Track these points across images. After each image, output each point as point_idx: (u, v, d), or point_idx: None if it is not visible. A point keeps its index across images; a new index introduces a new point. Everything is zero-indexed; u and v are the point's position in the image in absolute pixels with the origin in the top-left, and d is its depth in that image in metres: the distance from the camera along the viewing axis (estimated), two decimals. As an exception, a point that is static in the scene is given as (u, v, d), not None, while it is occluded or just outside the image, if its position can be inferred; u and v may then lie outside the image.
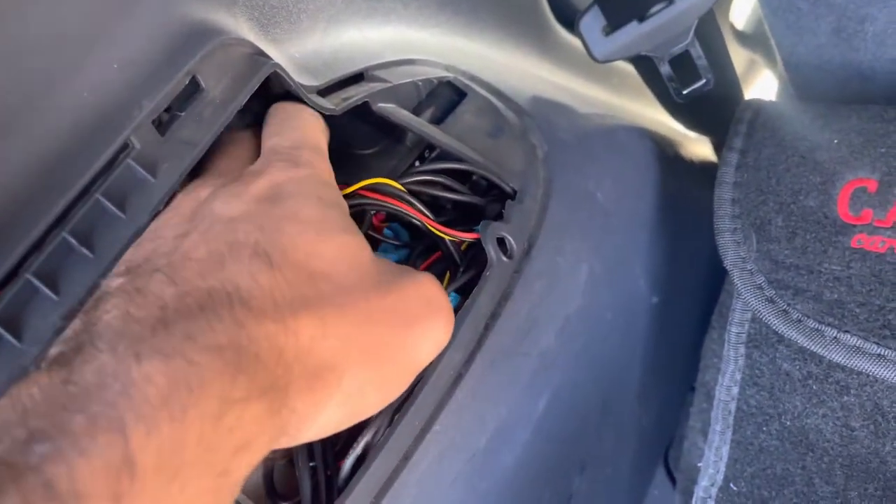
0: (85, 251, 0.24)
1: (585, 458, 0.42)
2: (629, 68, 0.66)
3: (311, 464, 0.28)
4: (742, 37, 0.83)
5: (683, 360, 0.55)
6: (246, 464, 0.21)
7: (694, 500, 0.45)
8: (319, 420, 0.24)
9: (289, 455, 0.31)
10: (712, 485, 0.44)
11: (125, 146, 0.26)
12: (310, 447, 0.28)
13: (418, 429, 0.28)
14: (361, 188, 0.31)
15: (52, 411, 0.18)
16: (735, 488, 0.43)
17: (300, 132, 0.29)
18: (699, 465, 0.45)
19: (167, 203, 0.26)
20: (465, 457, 0.30)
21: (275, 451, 0.30)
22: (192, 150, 0.27)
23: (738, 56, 0.84)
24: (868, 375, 0.36)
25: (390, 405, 0.28)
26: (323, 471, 0.28)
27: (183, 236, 0.24)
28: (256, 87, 0.29)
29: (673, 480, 0.58)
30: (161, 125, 0.27)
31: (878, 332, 0.35)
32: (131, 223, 0.25)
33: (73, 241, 0.24)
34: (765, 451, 0.41)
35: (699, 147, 0.61)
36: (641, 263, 0.44)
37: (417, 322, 0.26)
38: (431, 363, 0.29)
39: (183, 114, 0.28)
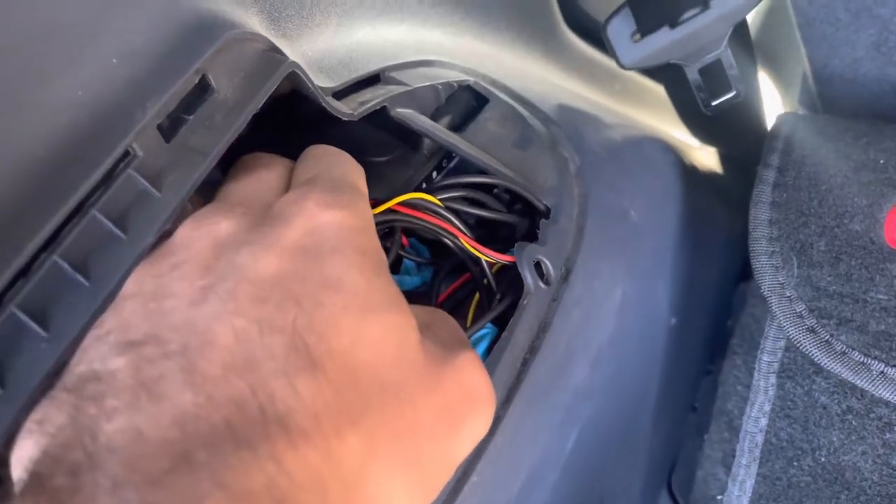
0: (80, 278, 0.20)
1: (604, 492, 0.40)
2: (631, 75, 0.64)
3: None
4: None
5: (689, 380, 0.53)
6: None
7: (713, 534, 0.43)
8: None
9: None
10: (734, 519, 0.42)
11: (126, 154, 0.22)
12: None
13: (454, 481, 0.25)
14: (396, 204, 0.28)
15: None
16: (759, 524, 0.40)
17: (341, 170, 0.24)
18: (719, 497, 0.42)
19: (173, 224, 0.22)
20: (499, 507, 0.27)
21: None
22: (203, 159, 0.24)
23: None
24: (915, 412, 0.34)
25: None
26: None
27: (200, 303, 0.18)
28: (273, 89, 0.26)
29: (675, 502, 0.56)
30: (166, 130, 0.24)
31: (929, 367, 0.32)
32: (134, 245, 0.21)
33: (65, 265, 0.20)
34: (794, 487, 0.38)
35: (704, 155, 0.59)
36: (665, 283, 0.41)
37: (462, 421, 0.21)
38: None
39: (191, 118, 0.24)
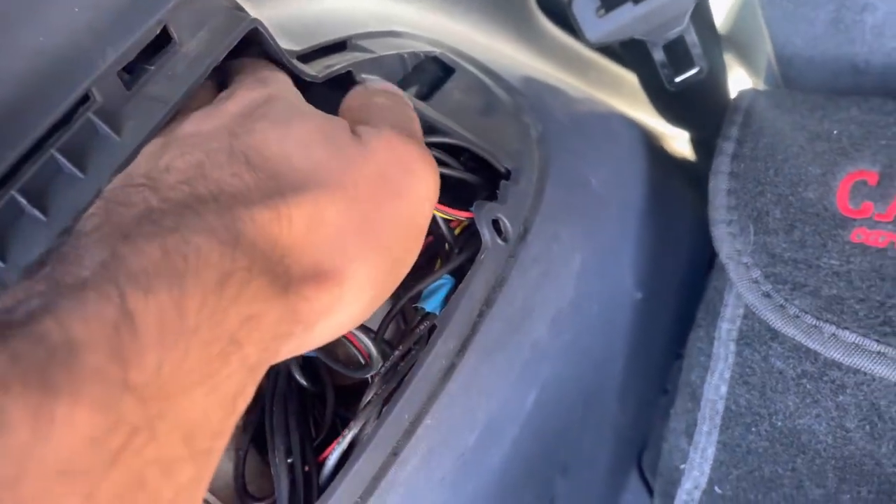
0: (37, 213, 0.21)
1: (568, 459, 0.41)
2: (607, 64, 0.65)
3: (288, 459, 0.25)
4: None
5: (658, 363, 0.53)
6: (257, 339, 0.20)
7: (676, 502, 0.43)
8: (334, 319, 0.23)
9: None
10: (696, 487, 0.42)
11: (86, 98, 0.23)
12: (286, 439, 0.26)
13: (408, 422, 0.25)
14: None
15: (37, 278, 0.17)
16: (720, 491, 0.41)
17: (272, 78, 0.28)
18: (682, 467, 0.43)
19: None
20: (454, 454, 0.27)
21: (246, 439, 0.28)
22: (163, 107, 0.24)
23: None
24: (865, 374, 0.34)
25: (380, 395, 0.25)
26: (301, 467, 0.25)
27: (158, 155, 0.22)
28: (234, 44, 0.26)
29: (646, 484, 0.56)
30: (128, 79, 0.24)
31: (878, 328, 0.33)
32: (91, 183, 0.22)
33: (22, 200, 0.21)
34: (753, 453, 0.39)
35: (677, 143, 0.60)
36: (629, 257, 0.42)
37: (400, 185, 0.25)
38: (423, 351, 0.26)
39: (152, 67, 0.25)
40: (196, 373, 0.18)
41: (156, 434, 0.16)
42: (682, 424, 0.44)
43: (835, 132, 0.36)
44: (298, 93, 0.28)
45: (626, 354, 0.47)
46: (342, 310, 0.23)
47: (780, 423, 0.38)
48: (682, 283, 0.52)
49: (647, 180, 0.44)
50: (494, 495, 0.31)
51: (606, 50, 0.63)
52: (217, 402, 0.18)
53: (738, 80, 0.85)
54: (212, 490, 0.26)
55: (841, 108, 0.37)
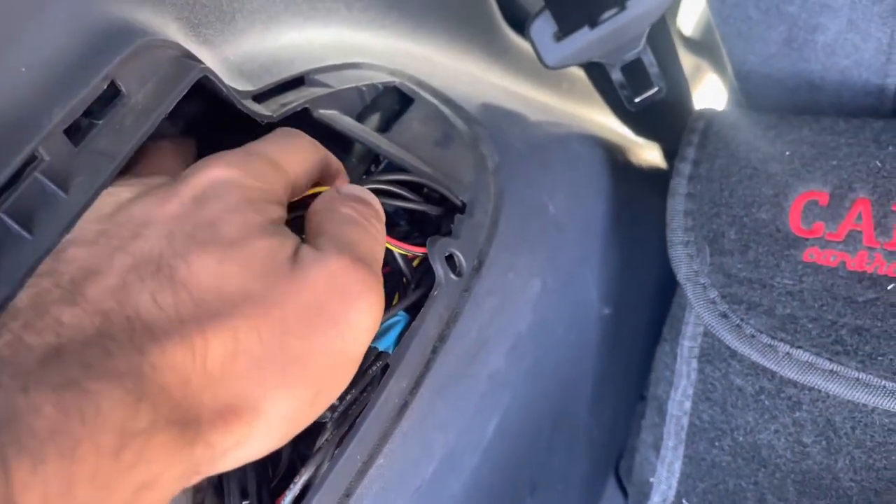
0: (-17, 277, 0.21)
1: (536, 478, 0.41)
2: (579, 73, 0.65)
3: (244, 502, 0.26)
4: (689, 43, 0.84)
5: (635, 369, 0.54)
6: (151, 499, 0.19)
7: (646, 515, 0.44)
8: (242, 453, 0.22)
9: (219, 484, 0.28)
10: (664, 500, 0.43)
11: (33, 158, 0.23)
12: (242, 483, 0.26)
13: (360, 463, 0.26)
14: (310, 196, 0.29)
15: None
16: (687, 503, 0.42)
17: (266, 145, 0.27)
18: (651, 480, 0.44)
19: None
20: (410, 488, 0.28)
21: (201, 481, 0.28)
22: (111, 162, 0.25)
23: (685, 62, 0.84)
24: (820, 391, 0.35)
25: (333, 438, 0.26)
26: (257, 510, 0.26)
27: (92, 244, 0.22)
28: (183, 93, 0.27)
29: (624, 492, 0.57)
30: (76, 135, 0.25)
31: (830, 347, 0.34)
32: (39, 244, 0.22)
33: None
34: (717, 467, 0.40)
35: (648, 153, 0.61)
36: (593, 275, 0.43)
37: (338, 315, 0.24)
38: (375, 391, 0.27)
39: (100, 122, 0.25)
40: None
41: None
42: (651, 438, 0.45)
43: (787, 153, 0.37)
44: (278, 183, 0.26)
45: (598, 368, 0.48)
46: (250, 445, 0.22)
47: (741, 439, 0.38)
48: (653, 295, 0.53)
49: (610, 198, 0.44)
50: (457, 522, 0.32)
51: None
52: None
53: (714, 85, 0.86)
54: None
55: (793, 129, 0.38)
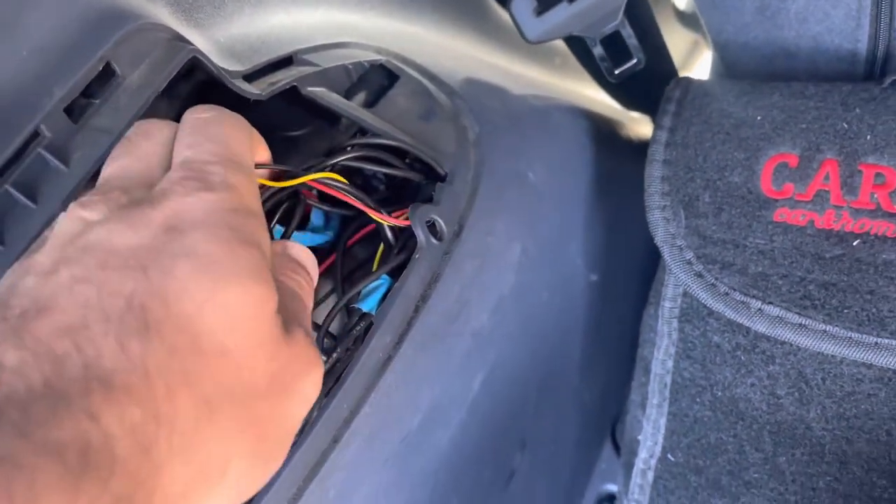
0: (-6, 243, 0.23)
1: (526, 436, 0.43)
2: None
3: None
4: (684, 17, 0.84)
5: (628, 335, 0.56)
6: None
7: (634, 471, 0.46)
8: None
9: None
10: (651, 456, 0.45)
11: (35, 135, 0.25)
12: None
13: (347, 412, 0.28)
14: (302, 183, 0.31)
15: None
16: (672, 459, 0.44)
17: (217, 143, 0.25)
18: (639, 437, 0.46)
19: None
20: (397, 437, 0.30)
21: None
22: (108, 137, 0.27)
23: (682, 36, 0.85)
24: (792, 345, 0.37)
25: (321, 392, 0.28)
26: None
27: (51, 273, 0.19)
28: (174, 73, 0.29)
29: (619, 454, 0.59)
30: (74, 113, 0.27)
31: (799, 302, 0.36)
32: (42, 212, 0.25)
33: None
34: (699, 422, 0.42)
35: (640, 126, 0.62)
36: (578, 242, 0.45)
37: (293, 385, 0.22)
38: (360, 347, 0.29)
39: (97, 101, 0.27)
40: None
41: None
42: (639, 397, 0.47)
43: (758, 118, 0.38)
44: (255, 191, 0.25)
45: (587, 333, 0.50)
46: None
47: (720, 394, 0.40)
48: (643, 262, 0.55)
49: (592, 168, 0.46)
50: (445, 472, 0.34)
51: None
52: None
53: (706, 58, 0.87)
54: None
55: (764, 95, 0.39)
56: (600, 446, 0.59)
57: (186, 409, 0.19)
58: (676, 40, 0.81)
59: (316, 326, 0.30)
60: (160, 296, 0.19)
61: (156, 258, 0.20)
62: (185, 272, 0.20)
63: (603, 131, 0.50)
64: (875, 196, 0.35)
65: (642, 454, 0.45)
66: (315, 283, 0.28)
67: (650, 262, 0.55)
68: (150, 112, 0.28)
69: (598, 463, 0.59)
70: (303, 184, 0.32)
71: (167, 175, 0.23)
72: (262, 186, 0.30)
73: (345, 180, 0.33)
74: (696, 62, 0.94)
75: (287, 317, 0.23)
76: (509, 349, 0.37)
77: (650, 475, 0.45)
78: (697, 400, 0.42)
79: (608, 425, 0.60)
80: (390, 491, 0.30)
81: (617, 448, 0.61)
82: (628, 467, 0.48)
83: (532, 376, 0.41)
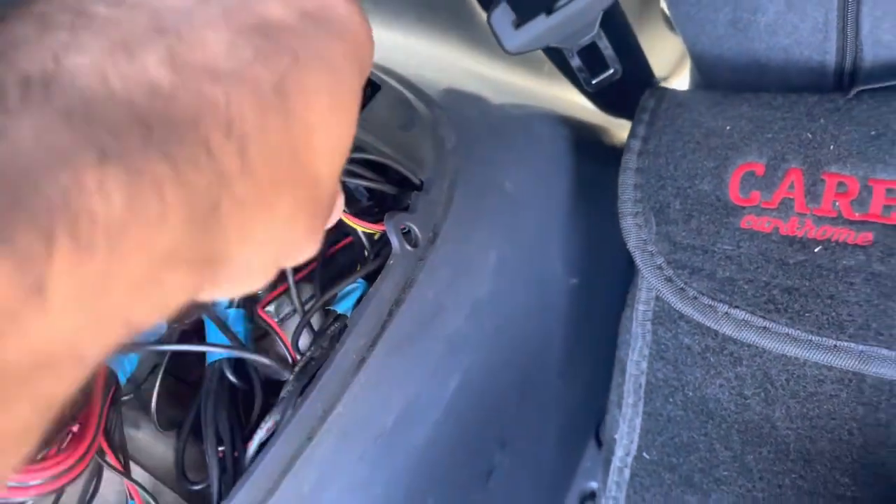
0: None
1: (505, 435, 0.45)
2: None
3: (220, 448, 0.30)
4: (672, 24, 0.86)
5: (610, 338, 0.57)
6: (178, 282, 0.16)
7: (611, 469, 0.47)
8: (244, 255, 0.18)
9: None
10: (627, 454, 0.46)
11: None
12: (216, 430, 0.30)
13: (321, 410, 0.29)
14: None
15: None
16: (648, 457, 0.45)
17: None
18: (616, 436, 0.47)
19: None
20: (370, 435, 0.31)
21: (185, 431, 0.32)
22: None
23: (672, 42, 0.86)
24: (757, 347, 0.38)
25: (295, 389, 0.29)
26: (230, 454, 0.30)
27: (206, 6, 0.18)
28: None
29: (603, 453, 0.61)
30: None
31: (763, 306, 0.37)
32: None
33: None
34: (672, 421, 0.43)
35: (624, 132, 0.63)
36: (558, 246, 0.46)
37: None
38: (335, 349, 0.30)
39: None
40: None
41: None
42: (616, 397, 0.48)
43: (728, 128, 0.40)
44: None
45: (568, 335, 0.51)
46: (254, 249, 0.19)
47: (691, 394, 0.42)
48: (622, 266, 0.56)
49: (571, 175, 0.47)
50: (420, 469, 0.35)
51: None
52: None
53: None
54: (156, 476, 0.30)
55: (734, 105, 0.41)
56: (584, 445, 0.60)
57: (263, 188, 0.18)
58: (666, 46, 0.82)
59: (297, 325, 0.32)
60: (295, 92, 0.18)
61: (304, 49, 0.18)
62: (318, 82, 0.19)
63: (585, 138, 0.51)
64: (837, 204, 0.37)
65: (619, 452, 0.47)
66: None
67: (630, 266, 0.56)
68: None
69: (582, 461, 0.61)
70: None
71: None
72: None
73: None
74: (687, 67, 0.95)
75: None
76: (486, 352, 0.39)
77: (626, 473, 0.46)
78: (670, 400, 0.43)
79: (592, 424, 0.62)
80: (364, 486, 0.31)
81: (601, 446, 0.63)
82: (607, 464, 0.49)
83: (511, 378, 0.43)
